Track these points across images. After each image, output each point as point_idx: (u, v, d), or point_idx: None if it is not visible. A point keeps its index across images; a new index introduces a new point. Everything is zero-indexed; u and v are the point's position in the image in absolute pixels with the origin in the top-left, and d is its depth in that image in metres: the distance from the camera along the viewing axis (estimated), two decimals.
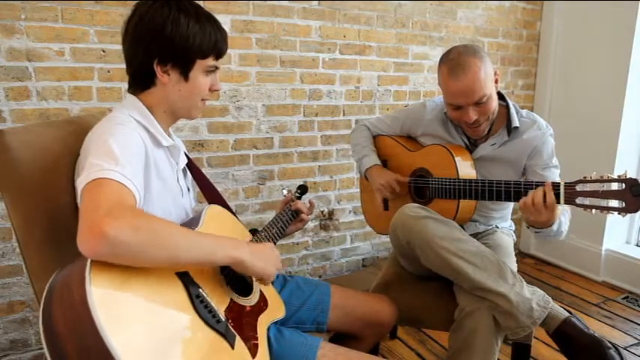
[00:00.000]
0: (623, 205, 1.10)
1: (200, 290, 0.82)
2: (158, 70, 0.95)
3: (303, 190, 1.53)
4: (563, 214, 1.36)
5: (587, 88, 2.62)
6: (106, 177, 0.77)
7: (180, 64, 0.96)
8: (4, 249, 1.74)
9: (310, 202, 1.42)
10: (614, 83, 2.47)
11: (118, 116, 0.94)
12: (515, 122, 1.42)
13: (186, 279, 0.81)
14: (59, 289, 0.68)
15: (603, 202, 1.13)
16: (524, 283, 1.25)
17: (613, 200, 1.12)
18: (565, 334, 1.23)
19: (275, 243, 1.22)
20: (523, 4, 2.75)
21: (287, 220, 1.33)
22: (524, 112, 1.47)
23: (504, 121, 1.45)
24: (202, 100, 1.04)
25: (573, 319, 1.24)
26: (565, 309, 1.29)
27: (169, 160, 1.04)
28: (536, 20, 2.84)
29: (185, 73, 0.98)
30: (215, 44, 0.98)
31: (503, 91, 1.49)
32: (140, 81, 0.99)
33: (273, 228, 1.25)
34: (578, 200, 1.16)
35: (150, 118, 0.98)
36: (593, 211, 1.14)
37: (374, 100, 2.41)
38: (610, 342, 1.19)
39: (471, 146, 1.50)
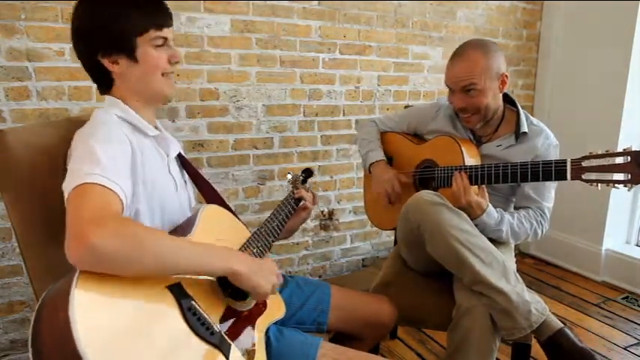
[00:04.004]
0: (629, 177, 1.12)
1: (192, 302, 0.81)
2: (106, 62, 0.95)
3: (308, 173, 1.47)
4: (520, 219, 1.40)
5: (587, 88, 2.61)
6: (89, 182, 0.77)
7: (122, 49, 0.94)
8: (4, 249, 1.74)
9: (312, 193, 1.37)
10: (614, 83, 2.47)
11: (100, 116, 0.94)
12: (524, 128, 1.44)
13: (177, 292, 0.79)
14: (46, 307, 0.67)
15: (609, 176, 1.14)
16: (525, 287, 1.26)
17: (618, 173, 1.14)
18: (557, 344, 1.23)
19: (276, 237, 1.19)
20: (523, 4, 2.75)
21: (289, 210, 1.28)
22: (534, 119, 1.49)
23: (513, 126, 1.46)
24: (164, 75, 1.00)
25: (567, 331, 1.25)
26: (564, 311, 1.29)
27: (158, 150, 1.03)
28: (536, 20, 2.84)
29: (131, 55, 0.95)
30: (148, 16, 0.95)
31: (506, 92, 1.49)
32: (102, 81, 0.99)
33: (273, 221, 1.21)
34: (585, 176, 1.17)
35: (129, 112, 0.98)
36: (599, 185, 1.16)
37: (374, 100, 2.41)
38: (603, 357, 1.19)
39: (476, 143, 1.51)
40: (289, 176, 1.41)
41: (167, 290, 0.78)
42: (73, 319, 0.62)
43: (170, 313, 0.77)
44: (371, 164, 1.64)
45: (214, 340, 0.80)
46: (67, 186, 0.78)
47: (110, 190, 0.78)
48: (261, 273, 0.89)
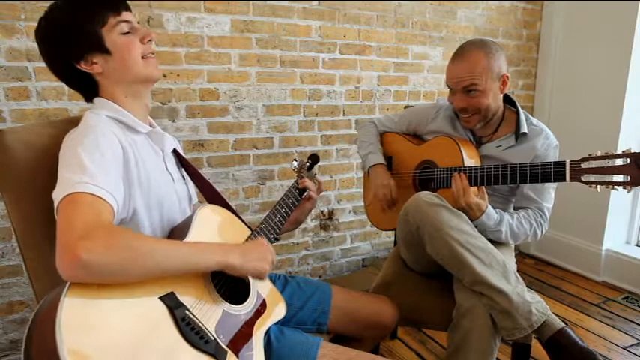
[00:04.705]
0: (628, 179, 1.12)
1: (186, 312, 0.80)
2: (84, 67, 0.95)
3: (314, 159, 1.44)
4: (519, 220, 1.40)
5: (587, 88, 2.61)
6: (78, 191, 0.76)
7: (92, 46, 0.94)
8: (4, 249, 1.74)
9: (318, 181, 1.35)
10: (614, 83, 2.47)
11: (89, 119, 0.94)
12: (524, 128, 1.44)
13: (170, 302, 0.78)
14: (38, 318, 0.67)
15: (608, 178, 1.14)
16: (526, 287, 1.26)
17: (618, 175, 1.14)
18: (558, 344, 1.23)
19: (278, 232, 1.18)
20: (523, 4, 2.75)
21: (292, 203, 1.25)
22: (534, 120, 1.49)
23: (513, 126, 1.47)
24: (144, 58, 0.99)
25: (568, 330, 1.25)
26: (564, 311, 1.29)
27: (152, 147, 1.03)
28: (536, 20, 2.84)
29: (103, 49, 0.94)
30: (102, 5, 0.95)
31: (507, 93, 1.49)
32: (87, 87, 0.99)
33: (275, 216, 1.19)
34: (584, 178, 1.17)
35: (119, 110, 0.97)
36: (598, 187, 1.16)
37: (374, 100, 2.41)
38: (604, 357, 1.19)
39: (476, 144, 1.51)
40: (295, 163, 1.38)
41: (160, 301, 0.77)
42: (60, 340, 0.61)
43: (163, 325, 0.76)
44: (370, 167, 1.65)
45: (209, 350, 0.79)
46: (57, 195, 0.78)
47: (100, 198, 0.78)
48: (255, 256, 0.92)
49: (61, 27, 0.93)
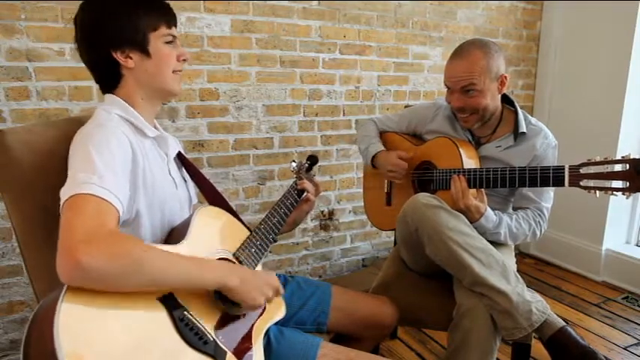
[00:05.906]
0: (627, 185, 1.11)
1: (185, 313, 0.80)
2: (119, 57, 0.95)
3: (313, 160, 1.42)
4: (518, 221, 1.40)
5: (587, 88, 2.62)
6: (84, 192, 0.76)
7: (136, 43, 0.96)
8: (4, 249, 1.74)
9: (316, 183, 1.34)
10: (614, 83, 2.47)
11: (101, 116, 0.94)
12: (523, 128, 1.44)
13: (169, 303, 0.78)
14: (36, 320, 0.67)
15: (607, 183, 1.14)
16: (525, 286, 1.26)
17: (617, 181, 1.13)
18: (559, 343, 1.23)
19: (276, 234, 1.18)
20: (523, 4, 2.75)
21: (291, 203, 1.25)
22: (533, 119, 1.49)
23: (512, 126, 1.46)
24: (174, 72, 1.02)
25: (569, 329, 1.25)
26: (564, 311, 1.29)
27: (158, 151, 1.03)
28: (536, 20, 2.84)
29: (144, 50, 0.96)
30: (160, 13, 0.98)
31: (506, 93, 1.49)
32: (109, 78, 0.99)
33: (274, 217, 1.19)
34: (583, 182, 1.17)
35: (131, 111, 0.98)
36: (597, 193, 1.15)
37: (374, 100, 2.41)
38: (605, 357, 1.19)
39: (475, 144, 1.51)
40: (294, 164, 1.37)
41: (158, 302, 0.77)
42: (58, 344, 0.61)
43: (162, 326, 0.76)
44: (373, 157, 1.63)
45: (208, 350, 0.80)
46: (63, 193, 0.78)
47: (105, 200, 0.77)
48: (255, 284, 0.89)
49: (116, 12, 0.94)
